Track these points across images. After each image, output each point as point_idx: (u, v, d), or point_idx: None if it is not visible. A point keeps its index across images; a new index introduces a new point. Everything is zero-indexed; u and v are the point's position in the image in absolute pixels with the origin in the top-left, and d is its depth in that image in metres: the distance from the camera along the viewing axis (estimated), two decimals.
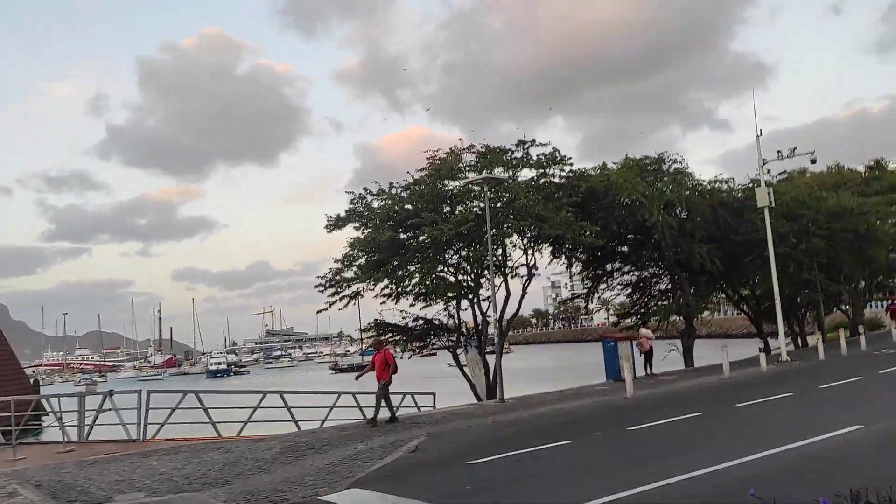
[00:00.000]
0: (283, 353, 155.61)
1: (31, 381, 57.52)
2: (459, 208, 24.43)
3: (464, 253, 24.53)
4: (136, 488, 11.16)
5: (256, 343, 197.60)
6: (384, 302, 26.57)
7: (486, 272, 25.49)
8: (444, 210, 24.25)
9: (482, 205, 23.43)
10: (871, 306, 55.06)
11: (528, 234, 25.08)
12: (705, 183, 32.22)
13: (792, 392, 16.46)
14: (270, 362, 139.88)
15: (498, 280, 26.91)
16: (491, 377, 25.90)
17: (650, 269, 36.06)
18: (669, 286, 35.84)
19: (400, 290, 25.87)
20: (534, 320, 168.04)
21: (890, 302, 46.85)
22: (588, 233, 23.09)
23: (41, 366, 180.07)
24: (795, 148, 26.09)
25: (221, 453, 14.34)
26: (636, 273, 36.06)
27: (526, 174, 25.42)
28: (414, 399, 22.76)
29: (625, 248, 33.13)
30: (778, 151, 26.33)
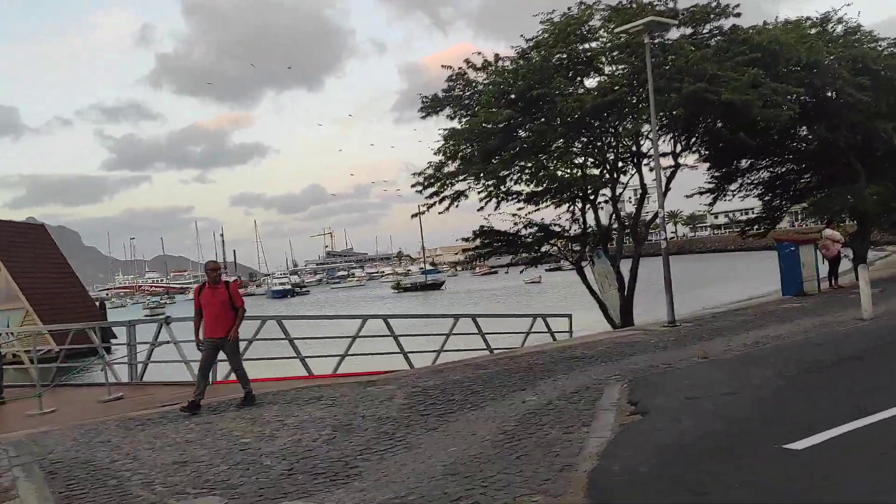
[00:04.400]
0: (348, 272, 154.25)
1: (98, 303, 55.46)
2: (592, 81, 18.93)
3: (610, 131, 19.07)
4: (207, 482, 6.71)
5: (318, 264, 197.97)
6: (481, 209, 21.75)
7: (624, 159, 20.22)
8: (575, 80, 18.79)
9: (624, 69, 17.95)
10: None
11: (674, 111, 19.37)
12: (884, 45, 25.55)
13: None
14: (337, 281, 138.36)
15: (626, 178, 21.77)
16: (626, 293, 21.05)
17: (788, 165, 30.09)
18: (812, 182, 29.92)
19: (512, 185, 20.87)
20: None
21: None
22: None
23: (113, 289, 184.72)
24: None
25: (323, 406, 9.91)
26: (771, 170, 30.15)
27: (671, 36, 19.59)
28: (546, 323, 17.95)
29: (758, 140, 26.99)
30: None
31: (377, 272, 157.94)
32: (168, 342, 13.13)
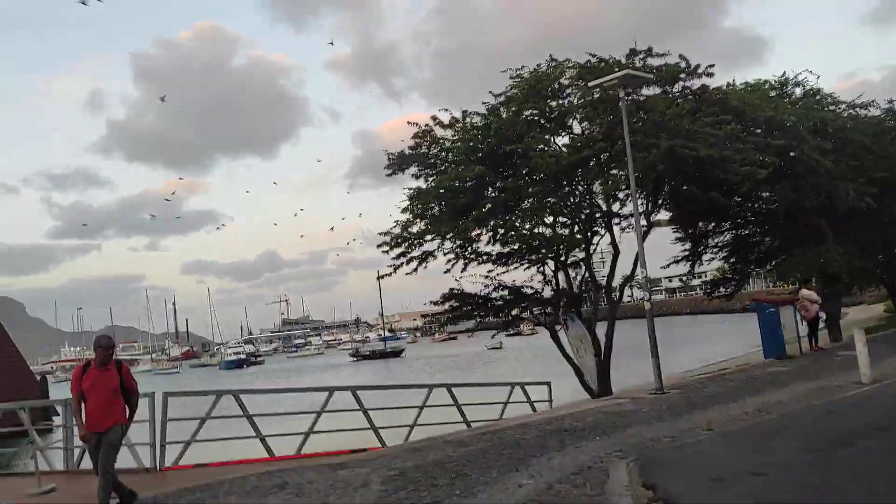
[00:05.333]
0: (305, 341, 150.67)
1: (39, 378, 52.28)
2: (562, 139, 18.48)
3: (579, 189, 18.58)
4: None
5: (273, 332, 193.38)
6: (448, 270, 20.94)
7: (596, 219, 19.68)
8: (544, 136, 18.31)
9: (597, 127, 17.53)
10: None
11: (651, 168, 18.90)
12: (843, 107, 25.95)
13: None
14: (294, 350, 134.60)
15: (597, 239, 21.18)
16: (602, 358, 20.18)
17: (750, 227, 30.18)
18: (776, 243, 29.97)
19: (481, 245, 20.16)
20: None
21: None
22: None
23: (60, 362, 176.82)
24: None
25: (288, 496, 8.61)
26: (734, 231, 30.18)
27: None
28: (525, 391, 16.84)
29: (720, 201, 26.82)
30: None
31: (335, 339, 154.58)
32: None
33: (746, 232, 30.18)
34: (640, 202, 21.56)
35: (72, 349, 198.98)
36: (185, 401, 13.68)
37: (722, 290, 33.14)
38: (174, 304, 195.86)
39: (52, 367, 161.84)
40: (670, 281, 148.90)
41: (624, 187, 20.99)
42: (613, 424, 11.42)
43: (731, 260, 31.26)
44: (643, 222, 20.90)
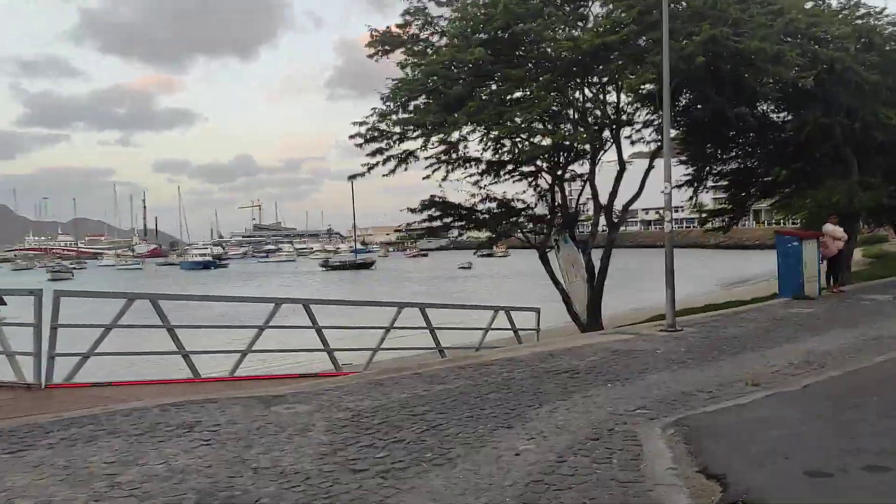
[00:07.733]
0: (276, 247, 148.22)
1: None
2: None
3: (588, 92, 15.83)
4: None
5: (244, 237, 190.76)
6: (428, 176, 18.38)
7: (605, 125, 17.05)
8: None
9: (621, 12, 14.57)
10: None
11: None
12: (883, 22, 22.94)
13: None
14: (265, 255, 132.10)
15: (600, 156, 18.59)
16: (595, 284, 17.99)
17: (757, 156, 27.57)
18: (781, 176, 27.48)
19: (467, 151, 17.55)
20: None
21: None
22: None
23: (21, 250, 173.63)
24: None
25: (195, 442, 6.22)
26: (741, 161, 27.58)
27: None
28: (510, 318, 14.50)
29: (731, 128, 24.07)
30: None
31: (306, 248, 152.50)
32: None
33: (754, 162, 27.61)
34: (650, 116, 19.14)
35: (35, 238, 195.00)
36: (102, 304, 11.14)
37: (717, 222, 31.08)
38: (144, 200, 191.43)
39: (13, 255, 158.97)
40: (647, 213, 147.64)
41: (632, 99, 18.18)
42: (625, 367, 9.16)
43: (732, 190, 28.93)
44: (656, 137, 18.44)
